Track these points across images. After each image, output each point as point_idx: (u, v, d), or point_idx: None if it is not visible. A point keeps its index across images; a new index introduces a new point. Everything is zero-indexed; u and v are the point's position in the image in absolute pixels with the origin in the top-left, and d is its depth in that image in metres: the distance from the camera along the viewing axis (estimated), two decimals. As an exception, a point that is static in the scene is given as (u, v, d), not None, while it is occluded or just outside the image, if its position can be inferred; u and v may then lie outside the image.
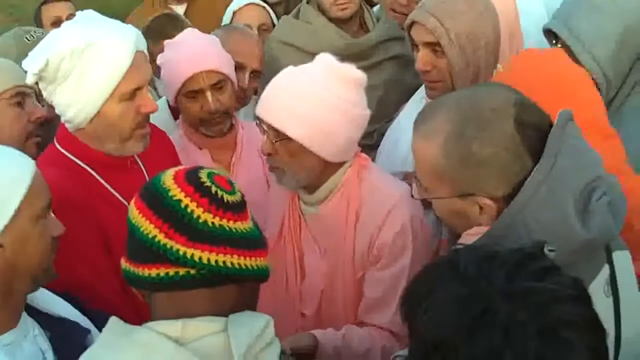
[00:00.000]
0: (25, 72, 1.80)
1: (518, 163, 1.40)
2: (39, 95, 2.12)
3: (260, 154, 2.31)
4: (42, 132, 2.20)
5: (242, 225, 1.27)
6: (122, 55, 1.78)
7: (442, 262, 1.18)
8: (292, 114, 1.89)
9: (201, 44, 2.36)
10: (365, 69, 2.03)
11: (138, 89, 1.83)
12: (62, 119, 1.87)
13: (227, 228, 1.24)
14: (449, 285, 1.09)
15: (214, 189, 1.26)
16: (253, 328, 1.23)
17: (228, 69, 2.37)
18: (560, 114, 1.43)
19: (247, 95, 2.64)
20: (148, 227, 1.23)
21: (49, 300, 1.59)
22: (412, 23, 2.27)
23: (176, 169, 1.31)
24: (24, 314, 1.52)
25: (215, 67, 2.31)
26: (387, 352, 1.92)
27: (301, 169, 1.95)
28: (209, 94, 2.31)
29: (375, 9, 3.30)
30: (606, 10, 2.19)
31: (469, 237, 1.45)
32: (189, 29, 2.44)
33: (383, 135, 2.57)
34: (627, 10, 2.20)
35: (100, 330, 1.30)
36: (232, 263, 1.23)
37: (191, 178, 1.26)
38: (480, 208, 1.44)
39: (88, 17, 1.85)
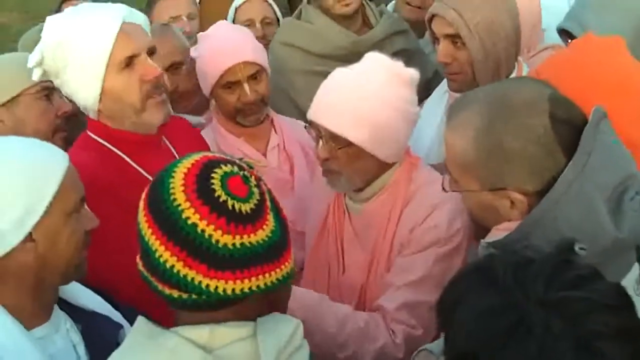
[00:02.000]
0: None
1: (550, 159, 1.38)
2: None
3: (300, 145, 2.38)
4: (68, 127, 2.21)
5: (263, 233, 1.18)
6: (107, 27, 1.79)
7: (477, 268, 1.15)
8: (353, 118, 1.87)
9: (236, 36, 2.42)
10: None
11: (133, 56, 1.82)
12: (81, 108, 1.89)
13: (249, 244, 1.16)
14: (483, 294, 1.07)
15: (230, 202, 1.16)
16: (282, 333, 1.21)
17: (263, 60, 2.42)
18: (594, 110, 1.41)
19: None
20: (164, 253, 1.16)
21: (81, 294, 1.60)
22: (433, 16, 2.27)
23: (184, 169, 1.20)
24: (56, 308, 1.53)
25: (252, 59, 2.36)
26: (363, 334, 1.86)
27: (358, 172, 1.94)
28: (246, 85, 2.36)
29: (389, 5, 3.29)
30: (616, 8, 2.17)
31: (498, 232, 1.44)
32: (221, 21, 2.46)
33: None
34: (633, 8, 2.18)
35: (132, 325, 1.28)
36: (257, 286, 1.17)
37: (204, 192, 1.16)
38: (512, 203, 1.42)
39: (75, 7, 1.89)
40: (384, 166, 1.97)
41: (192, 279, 1.15)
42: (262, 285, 1.17)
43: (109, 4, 1.89)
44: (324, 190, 2.12)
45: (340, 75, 1.96)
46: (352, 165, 1.93)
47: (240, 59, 2.34)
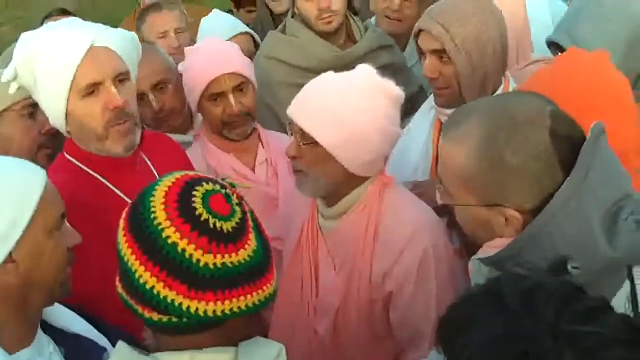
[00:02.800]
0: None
1: (549, 175, 1.36)
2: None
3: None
4: (53, 144, 2.19)
5: (245, 253, 1.17)
6: (72, 51, 1.77)
7: (483, 292, 1.12)
8: (326, 120, 1.86)
9: (221, 49, 2.44)
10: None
11: (98, 84, 1.79)
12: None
13: (230, 265, 1.14)
14: (490, 320, 1.04)
15: (211, 221, 1.15)
16: (265, 358, 1.19)
17: (249, 72, 2.42)
18: (593, 127, 1.39)
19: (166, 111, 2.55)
20: (144, 274, 1.14)
21: (64, 317, 1.57)
22: (419, 31, 2.26)
23: (165, 188, 1.19)
24: (40, 331, 1.50)
25: (236, 70, 2.37)
26: None
27: (323, 176, 1.91)
28: (231, 96, 2.36)
29: (373, 19, 3.30)
30: (610, 19, 2.17)
31: (490, 249, 1.42)
32: (210, 37, 2.46)
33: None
34: (630, 17, 2.18)
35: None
36: (239, 308, 1.15)
37: (185, 210, 1.15)
38: (506, 220, 1.40)
39: (49, 25, 1.88)
40: (352, 179, 1.93)
41: (173, 300, 1.13)
42: (243, 307, 1.16)
43: (86, 23, 1.87)
44: (301, 206, 2.10)
45: (326, 78, 1.96)
46: (317, 167, 1.90)
47: (225, 71, 2.34)
